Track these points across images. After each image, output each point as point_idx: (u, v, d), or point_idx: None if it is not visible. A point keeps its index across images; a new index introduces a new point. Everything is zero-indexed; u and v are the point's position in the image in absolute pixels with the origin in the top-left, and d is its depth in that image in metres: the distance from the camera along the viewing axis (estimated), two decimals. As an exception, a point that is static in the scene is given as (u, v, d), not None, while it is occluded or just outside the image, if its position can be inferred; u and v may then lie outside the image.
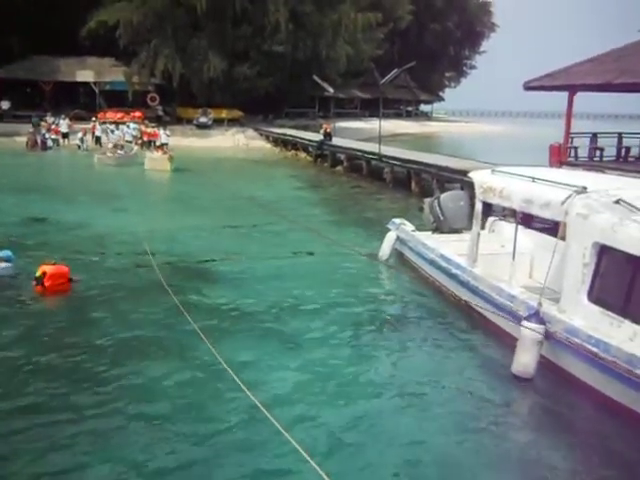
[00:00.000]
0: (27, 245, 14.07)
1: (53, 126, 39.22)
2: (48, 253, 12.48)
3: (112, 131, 37.91)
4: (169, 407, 7.04)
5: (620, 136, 23.51)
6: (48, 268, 10.70)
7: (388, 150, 28.90)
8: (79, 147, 36.76)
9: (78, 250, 13.44)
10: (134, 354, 8.41)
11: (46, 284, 10.57)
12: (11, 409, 6.85)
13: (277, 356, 8.50)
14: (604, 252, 7.50)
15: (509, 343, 8.31)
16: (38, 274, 10.62)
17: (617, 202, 7.54)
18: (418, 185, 24.44)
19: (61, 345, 8.62)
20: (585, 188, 8.16)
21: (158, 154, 30.57)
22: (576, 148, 22.45)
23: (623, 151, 23.14)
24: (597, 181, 9.08)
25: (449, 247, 11.68)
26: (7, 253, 11.75)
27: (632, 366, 6.62)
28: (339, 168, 32.26)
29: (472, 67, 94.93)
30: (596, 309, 7.48)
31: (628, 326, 6.96)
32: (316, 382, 7.78)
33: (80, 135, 37.26)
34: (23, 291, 10.72)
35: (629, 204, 7.37)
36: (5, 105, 46.29)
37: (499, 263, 9.86)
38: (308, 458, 5.38)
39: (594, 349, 7.16)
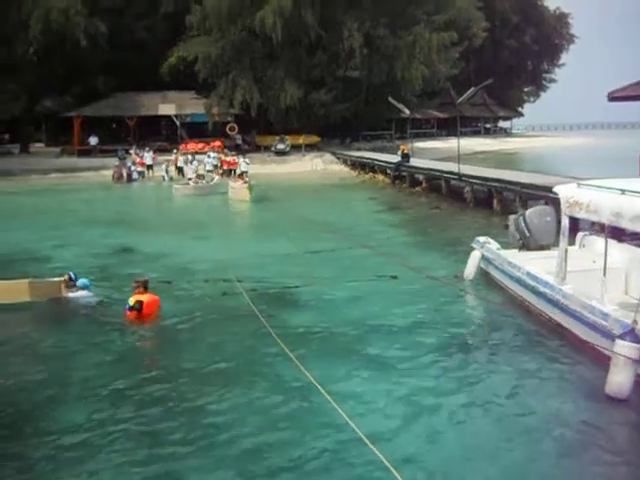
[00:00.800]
0: (114, 274, 14.60)
1: (138, 159, 40.75)
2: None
3: (191, 162, 38.54)
4: (263, 433, 7.06)
5: None
6: (144, 297, 10.84)
7: (467, 169, 28.41)
8: (164, 178, 37.90)
9: (164, 279, 13.77)
10: (226, 378, 8.54)
11: (145, 312, 10.76)
12: (107, 434, 7.03)
13: (362, 377, 8.46)
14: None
15: (602, 363, 7.93)
16: (133, 302, 10.75)
17: None
18: (500, 203, 23.86)
19: (153, 372, 8.88)
20: (678, 199, 7.75)
21: (238, 183, 30.31)
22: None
23: None
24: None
25: (536, 264, 11.33)
26: (83, 281, 12.08)
27: None
28: (418, 189, 31.96)
29: (551, 80, 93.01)
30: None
31: None
32: (400, 402, 7.67)
33: (164, 166, 38.52)
34: (113, 318, 11.05)
35: None
36: (93, 141, 48.62)
37: (590, 280, 9.47)
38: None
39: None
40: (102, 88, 50.78)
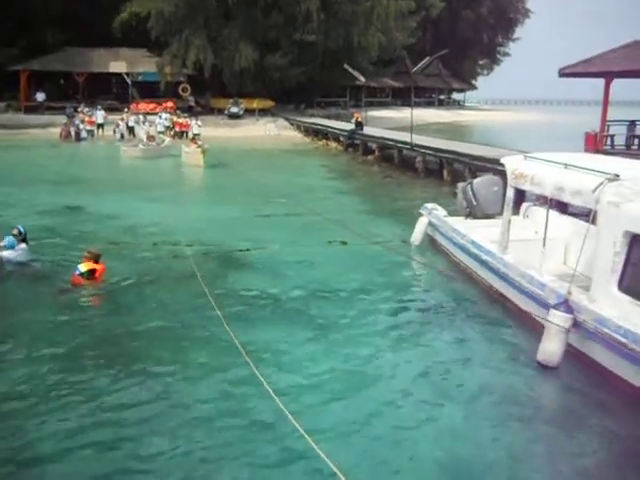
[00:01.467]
0: (59, 234, 14.37)
1: (87, 117, 39.71)
2: (83, 243, 12.68)
3: (143, 122, 37.22)
4: (191, 394, 7.12)
5: (660, 124, 23.06)
6: (97, 266, 10.69)
7: (420, 139, 28.66)
8: (120, 138, 36.63)
9: (111, 240, 13.65)
10: (161, 341, 8.56)
11: (97, 279, 10.65)
12: (43, 397, 6.99)
13: (304, 343, 8.54)
14: (635, 241, 7.37)
15: (538, 331, 8.22)
16: (85, 269, 10.57)
17: (650, 190, 7.41)
18: (450, 174, 24.22)
19: (93, 331, 8.82)
20: (617, 175, 8.02)
21: (192, 147, 28.61)
22: (612, 136, 22.10)
23: (662, 139, 22.70)
24: (630, 168, 8.90)
25: (481, 233, 11.59)
26: (9, 239, 11.33)
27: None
28: (370, 157, 32.15)
29: (505, 54, 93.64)
30: (626, 299, 7.37)
31: (659, 316, 6.85)
32: (343, 371, 7.78)
33: (117, 126, 37.60)
34: (56, 279, 10.89)
35: (662, 192, 7.24)
36: (40, 97, 47.04)
37: (531, 250, 9.73)
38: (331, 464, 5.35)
39: (623, 339, 7.06)
40: (51, 42, 48.91)
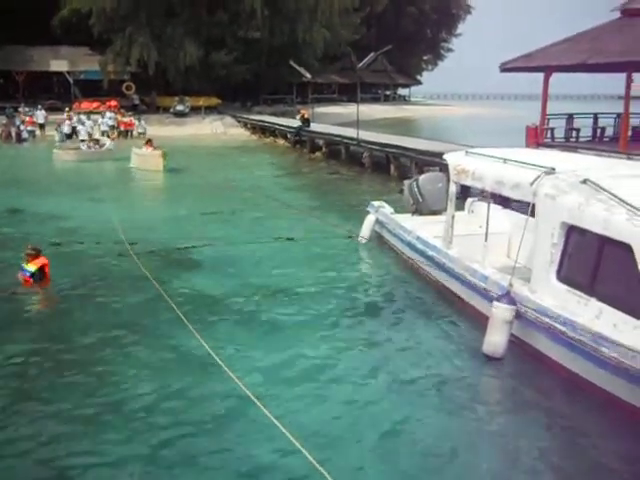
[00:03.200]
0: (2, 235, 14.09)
1: (27, 117, 38.66)
2: (25, 243, 12.40)
3: (83, 123, 35.32)
4: (153, 394, 7.11)
5: (596, 117, 23.78)
6: (42, 262, 10.49)
7: (366, 135, 28.93)
8: (65, 138, 35.01)
9: (53, 241, 13.41)
10: (117, 342, 8.47)
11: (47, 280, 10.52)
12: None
13: (257, 341, 8.58)
14: (571, 232, 7.62)
15: (483, 324, 8.42)
16: (34, 269, 10.38)
17: (584, 182, 7.65)
18: (397, 169, 24.50)
19: (44, 336, 8.69)
20: (554, 169, 8.27)
21: (147, 150, 26.08)
22: (552, 129, 22.67)
23: (599, 131, 23.40)
24: (566, 161, 9.20)
25: (426, 229, 11.77)
26: None
27: (597, 344, 6.77)
28: (318, 154, 32.25)
29: (449, 50, 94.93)
30: (564, 288, 7.61)
31: (594, 304, 7.09)
32: (295, 367, 7.86)
33: (59, 126, 36.56)
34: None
35: (595, 184, 7.49)
36: (-22, 97, 45.66)
37: (476, 244, 9.91)
38: (296, 443, 5.57)
39: (562, 328, 7.29)
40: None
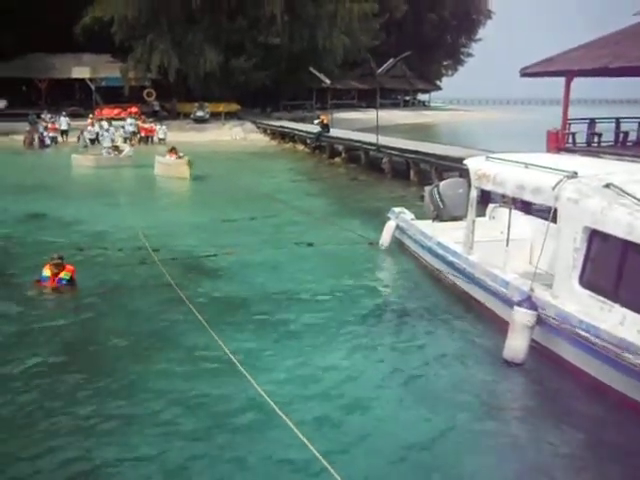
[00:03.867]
0: (26, 241, 14.22)
1: (49, 124, 39.08)
2: (49, 249, 12.51)
3: (107, 130, 34.73)
4: (177, 398, 7.17)
5: (618, 121, 23.54)
6: (71, 268, 10.75)
7: (386, 140, 28.86)
8: (86, 145, 35.45)
9: (79, 247, 13.54)
10: (141, 348, 8.56)
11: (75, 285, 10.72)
12: (16, 407, 6.94)
13: (277, 347, 8.59)
14: (594, 236, 7.55)
15: (504, 329, 8.36)
16: (68, 276, 10.60)
17: (607, 186, 7.57)
18: (417, 175, 24.45)
19: (72, 342, 8.78)
20: (576, 173, 8.19)
21: (171, 158, 25.59)
22: (574, 134, 22.49)
23: (621, 136, 23.19)
24: (589, 166, 9.11)
25: (448, 235, 11.72)
26: None
27: (621, 350, 6.68)
28: (337, 159, 32.26)
29: (469, 55, 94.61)
30: (587, 294, 7.53)
31: (618, 310, 7.01)
32: (316, 371, 7.86)
33: (81, 133, 36.85)
34: (24, 288, 10.77)
35: (618, 188, 7.41)
36: (1, 104, 46.34)
37: (497, 250, 9.87)
38: (311, 447, 5.56)
39: (585, 334, 7.21)
40: (11, 47, 48.16)
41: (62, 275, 10.64)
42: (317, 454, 5.61)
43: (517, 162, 9.70)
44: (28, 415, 6.75)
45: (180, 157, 25.49)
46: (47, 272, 10.62)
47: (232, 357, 7.76)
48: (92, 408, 6.91)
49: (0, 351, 8.36)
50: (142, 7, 46.02)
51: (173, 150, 26.34)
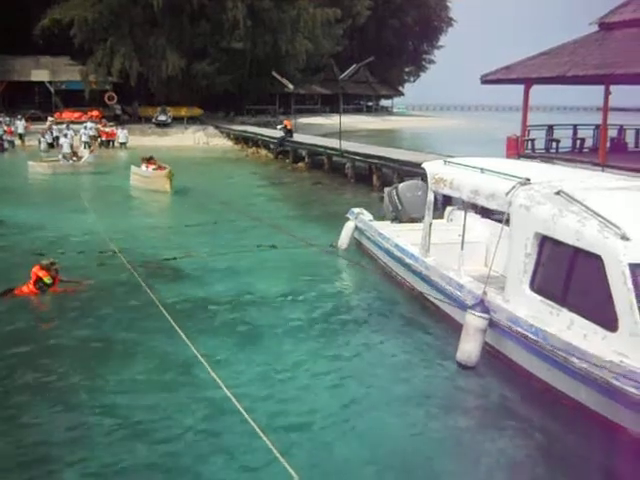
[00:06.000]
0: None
1: (5, 127, 38.36)
2: (8, 254, 12.60)
3: (65, 134, 33.68)
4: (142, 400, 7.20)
5: (575, 128, 24.02)
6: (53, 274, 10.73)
7: (349, 145, 29.06)
8: (46, 149, 34.98)
9: (38, 250, 13.37)
10: (108, 352, 8.58)
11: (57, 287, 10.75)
12: None
13: (238, 349, 8.67)
14: (545, 242, 7.69)
15: (458, 332, 8.46)
16: (48, 280, 10.58)
17: (558, 193, 7.75)
18: (379, 179, 24.57)
19: (44, 345, 8.77)
20: (529, 179, 8.37)
21: (149, 169, 23.43)
22: (533, 140, 22.87)
23: (578, 142, 23.65)
24: (542, 172, 9.30)
25: (405, 236, 11.84)
26: None
27: (568, 354, 6.82)
28: (301, 164, 32.28)
29: (431, 62, 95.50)
30: (537, 298, 7.68)
31: (565, 315, 7.16)
32: (277, 375, 7.92)
33: (42, 136, 36.30)
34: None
35: (568, 195, 7.58)
36: (-43, 106, 45.36)
37: (453, 252, 9.95)
38: (276, 452, 5.57)
39: (534, 337, 7.35)
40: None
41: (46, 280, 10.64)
42: (275, 452, 5.62)
43: (473, 167, 9.84)
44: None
45: (159, 167, 23.42)
46: (48, 279, 10.63)
47: (201, 359, 7.75)
48: (55, 408, 6.95)
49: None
50: (103, 9, 45.53)
51: (151, 160, 23.99)
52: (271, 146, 36.85)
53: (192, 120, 49.35)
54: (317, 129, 47.73)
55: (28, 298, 10.54)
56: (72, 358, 8.35)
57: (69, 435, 6.51)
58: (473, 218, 11.59)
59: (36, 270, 10.63)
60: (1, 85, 48.20)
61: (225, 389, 6.88)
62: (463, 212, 12.12)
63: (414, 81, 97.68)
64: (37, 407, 7.08)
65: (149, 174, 23.16)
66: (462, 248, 9.48)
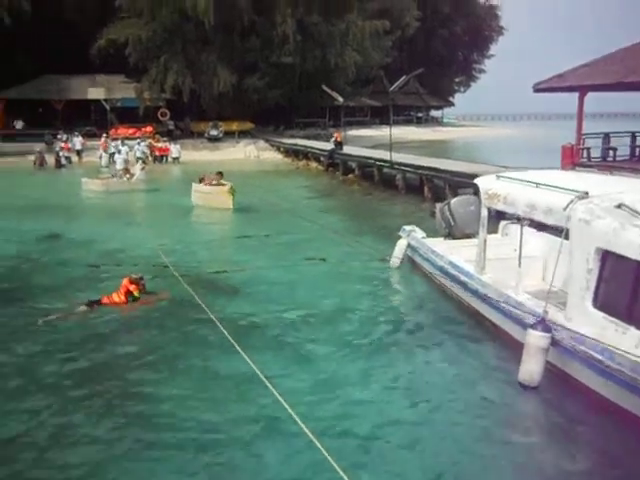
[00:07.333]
0: (40, 261, 14.46)
1: (62, 144, 39.42)
2: (67, 267, 12.92)
3: (119, 150, 34.36)
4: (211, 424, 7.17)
5: (634, 135, 23.34)
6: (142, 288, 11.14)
7: (399, 157, 28.91)
8: (107, 163, 36.07)
9: (96, 264, 13.73)
10: (168, 365, 8.70)
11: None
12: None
13: (292, 363, 8.66)
14: (607, 258, 7.46)
15: (518, 350, 8.24)
16: (137, 294, 10.98)
17: (619, 206, 7.51)
18: (431, 191, 24.36)
19: (102, 359, 8.94)
20: (587, 193, 8.13)
21: (210, 187, 22.61)
22: (588, 149, 22.34)
23: (637, 150, 22.98)
24: (600, 185, 9.03)
25: (459, 253, 11.64)
26: None
27: (637, 374, 6.57)
28: (351, 176, 32.31)
29: (481, 71, 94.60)
30: (601, 315, 7.44)
31: (633, 332, 6.92)
32: (335, 392, 7.85)
33: (102, 151, 37.26)
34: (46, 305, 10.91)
35: (630, 208, 7.34)
36: (19, 125, 46.96)
37: (510, 268, 9.76)
38: (335, 465, 5.54)
39: (599, 357, 7.10)
40: (27, 69, 48.86)
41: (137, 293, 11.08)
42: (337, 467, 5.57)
43: (528, 182, 9.62)
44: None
45: (219, 183, 22.57)
46: (138, 293, 11.04)
47: (260, 374, 7.73)
48: (118, 422, 7.06)
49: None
50: (156, 28, 46.65)
51: (204, 179, 23.25)
52: (321, 159, 36.97)
53: (243, 134, 49.93)
54: (367, 141, 47.68)
55: (113, 308, 10.82)
56: (135, 371, 8.51)
57: (128, 447, 6.60)
58: (528, 232, 11.33)
59: (126, 283, 11.04)
60: (60, 104, 49.63)
61: (286, 406, 6.80)
62: (518, 226, 11.92)
63: (464, 91, 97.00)
64: (107, 419, 7.19)
65: (210, 190, 22.50)
66: (519, 264, 9.27)
